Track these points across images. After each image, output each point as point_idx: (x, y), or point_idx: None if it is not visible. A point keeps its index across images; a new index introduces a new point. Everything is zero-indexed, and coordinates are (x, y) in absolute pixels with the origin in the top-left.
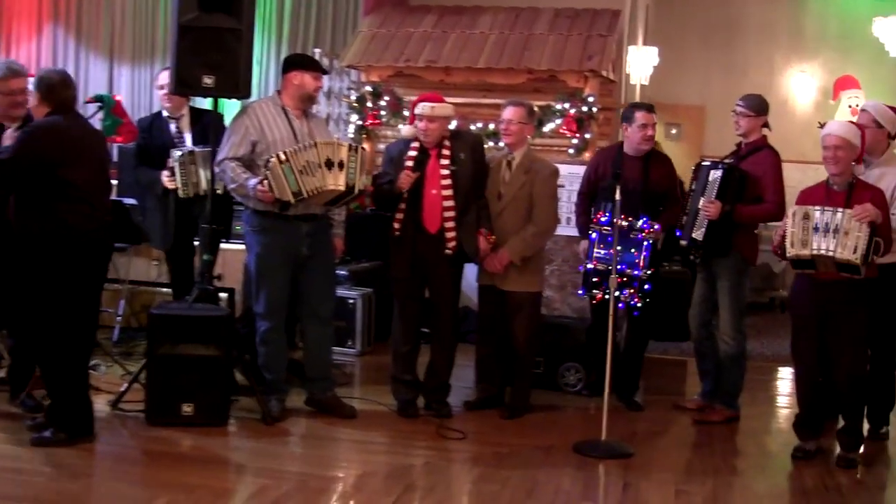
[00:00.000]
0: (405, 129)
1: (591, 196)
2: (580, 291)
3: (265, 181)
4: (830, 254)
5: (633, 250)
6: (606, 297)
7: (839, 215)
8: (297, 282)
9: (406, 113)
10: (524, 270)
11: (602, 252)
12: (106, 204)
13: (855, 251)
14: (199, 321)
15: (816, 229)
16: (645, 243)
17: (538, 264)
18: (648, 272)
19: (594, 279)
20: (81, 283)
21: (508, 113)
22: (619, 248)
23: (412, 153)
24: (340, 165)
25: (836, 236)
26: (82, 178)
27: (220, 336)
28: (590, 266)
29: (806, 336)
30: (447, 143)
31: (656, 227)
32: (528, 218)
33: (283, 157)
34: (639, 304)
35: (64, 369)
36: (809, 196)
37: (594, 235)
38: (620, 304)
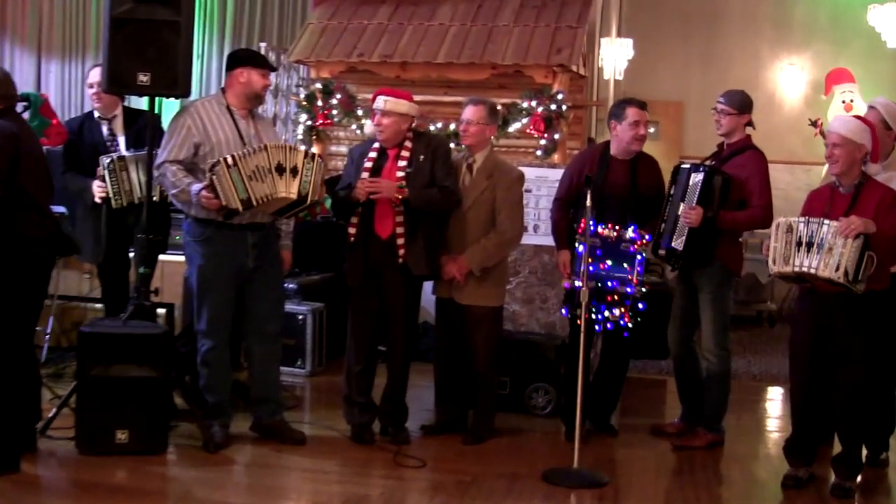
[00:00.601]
0: (368, 128)
1: (570, 203)
2: (563, 311)
3: (210, 187)
4: (812, 271)
5: (624, 265)
6: (593, 317)
7: (825, 228)
8: (242, 296)
9: (360, 112)
10: (484, 282)
11: (593, 266)
12: (51, 211)
13: (837, 269)
14: (135, 340)
15: (799, 244)
16: (638, 257)
17: (500, 276)
18: (643, 289)
19: (583, 299)
20: (26, 298)
21: (468, 112)
22: (608, 262)
23: (371, 154)
24: (294, 172)
25: (819, 252)
26: (31, 182)
27: (158, 356)
28: (577, 283)
29: (803, 349)
30: (407, 143)
31: (647, 237)
32: (490, 225)
33: (230, 160)
34: (630, 325)
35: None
36: (815, 199)
37: (581, 248)
38: (609, 325)
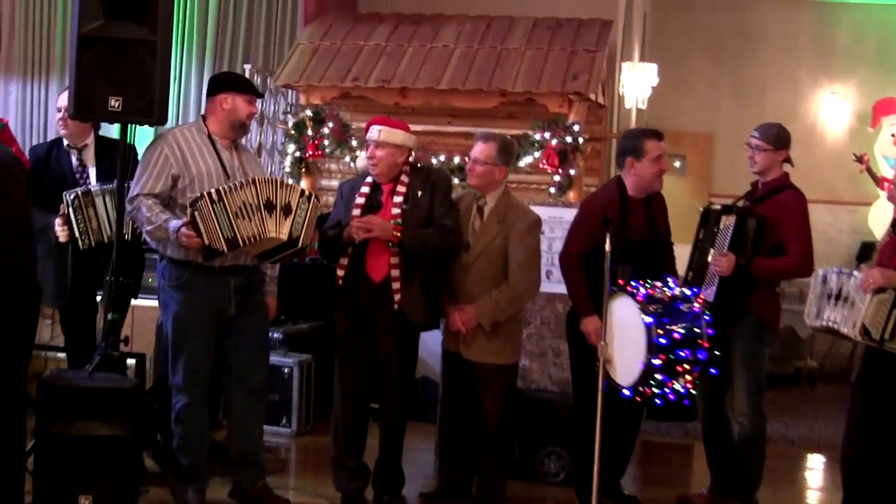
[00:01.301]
0: (360, 162)
1: (589, 258)
2: (624, 392)
3: (192, 223)
4: (835, 326)
5: (694, 329)
6: (656, 391)
7: (852, 280)
8: (222, 347)
9: (355, 143)
10: (495, 337)
11: (664, 338)
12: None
13: (854, 326)
14: (101, 394)
15: (829, 296)
16: (705, 317)
17: (513, 330)
18: (716, 353)
19: (657, 375)
20: (16, 343)
21: (476, 150)
22: (680, 329)
23: (364, 190)
24: (286, 211)
25: (844, 306)
26: (11, 213)
27: (127, 412)
28: (656, 361)
29: (853, 410)
30: (403, 178)
31: (703, 296)
32: (502, 276)
33: (215, 195)
34: (693, 393)
35: None
36: (883, 248)
37: (650, 320)
38: (672, 397)
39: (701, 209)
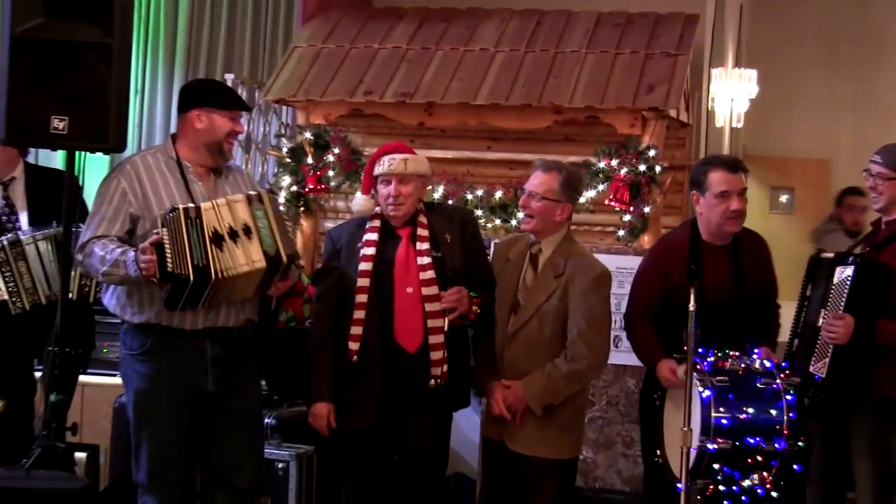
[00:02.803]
0: (359, 203)
1: (660, 320)
2: (679, 485)
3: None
4: None
5: (771, 411)
6: (721, 488)
7: None
8: (201, 435)
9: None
10: (549, 424)
11: (726, 418)
12: None
13: None
14: (42, 497)
15: None
16: (788, 397)
17: (572, 415)
18: (799, 444)
19: (715, 465)
20: None
21: (533, 181)
22: (749, 410)
23: (370, 237)
24: (247, 231)
25: None
26: None
27: None
28: (711, 446)
29: None
30: (422, 218)
31: (783, 365)
32: (559, 345)
33: (193, 212)
34: (773, 494)
35: None
36: None
37: (707, 393)
38: (744, 498)
39: (809, 258)
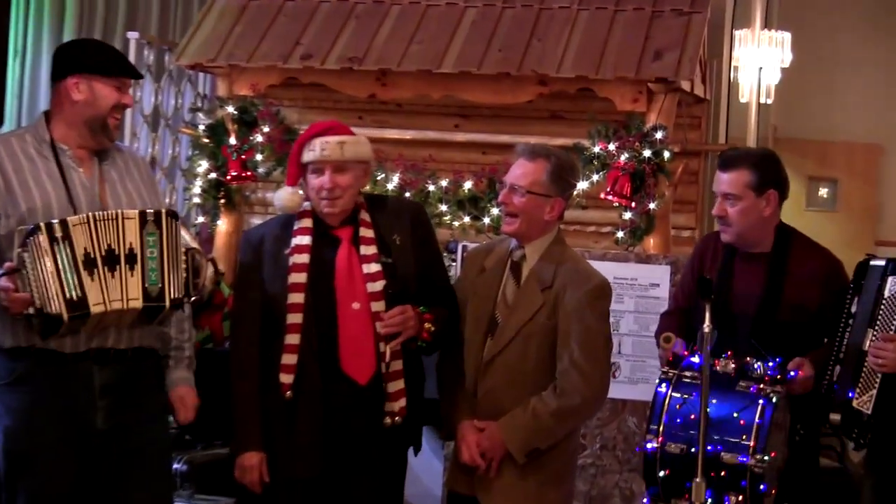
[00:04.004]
0: (283, 197)
1: (687, 316)
2: (645, 500)
3: (16, 272)
4: None
5: (736, 415)
6: None
7: None
8: (90, 484)
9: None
10: (533, 476)
11: (678, 417)
12: None
13: None
14: None
15: None
16: (760, 402)
17: (560, 462)
18: (766, 459)
19: (663, 472)
20: None
21: (515, 172)
22: (713, 402)
23: (301, 240)
24: (131, 258)
25: None
26: None
27: None
28: (651, 445)
29: None
30: (364, 216)
31: (792, 374)
32: (547, 374)
33: (57, 229)
34: None
35: None
36: None
37: (663, 388)
38: None
39: (855, 266)
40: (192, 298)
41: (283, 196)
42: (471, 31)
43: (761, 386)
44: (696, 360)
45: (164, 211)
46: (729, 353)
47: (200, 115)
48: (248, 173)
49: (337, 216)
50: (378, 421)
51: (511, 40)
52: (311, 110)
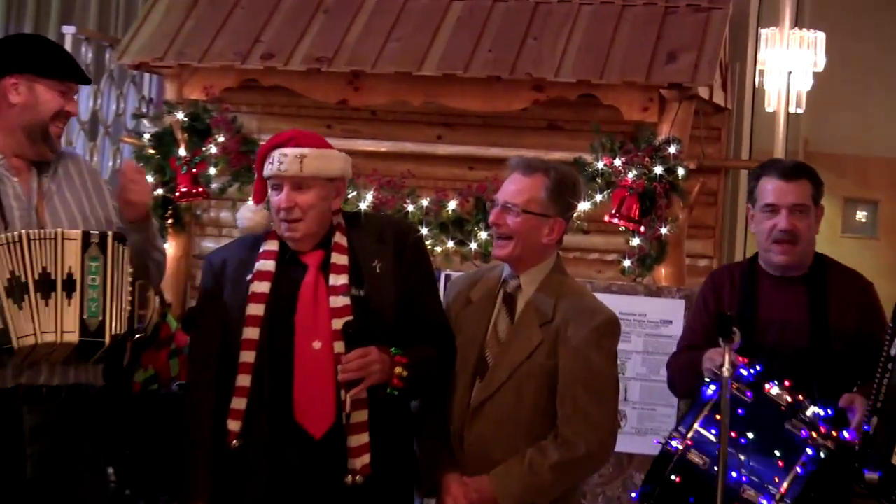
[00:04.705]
0: (246, 216)
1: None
2: (633, 495)
3: None
4: None
5: (776, 452)
6: None
7: None
8: None
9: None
10: None
11: (713, 427)
12: None
13: None
14: None
15: None
16: (809, 452)
17: None
18: None
19: (674, 476)
20: None
21: (508, 188)
22: (750, 436)
23: (264, 265)
24: (69, 285)
25: None
26: None
27: None
28: (674, 443)
29: None
30: (339, 239)
31: (848, 435)
32: (546, 423)
33: None
34: None
35: None
36: None
37: (711, 390)
38: None
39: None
40: (137, 336)
41: (246, 215)
42: (456, 27)
43: (814, 434)
44: (744, 372)
45: (110, 234)
46: (787, 382)
47: (145, 122)
48: (200, 189)
49: (301, 239)
50: (338, 478)
51: (503, 39)
52: (273, 117)
